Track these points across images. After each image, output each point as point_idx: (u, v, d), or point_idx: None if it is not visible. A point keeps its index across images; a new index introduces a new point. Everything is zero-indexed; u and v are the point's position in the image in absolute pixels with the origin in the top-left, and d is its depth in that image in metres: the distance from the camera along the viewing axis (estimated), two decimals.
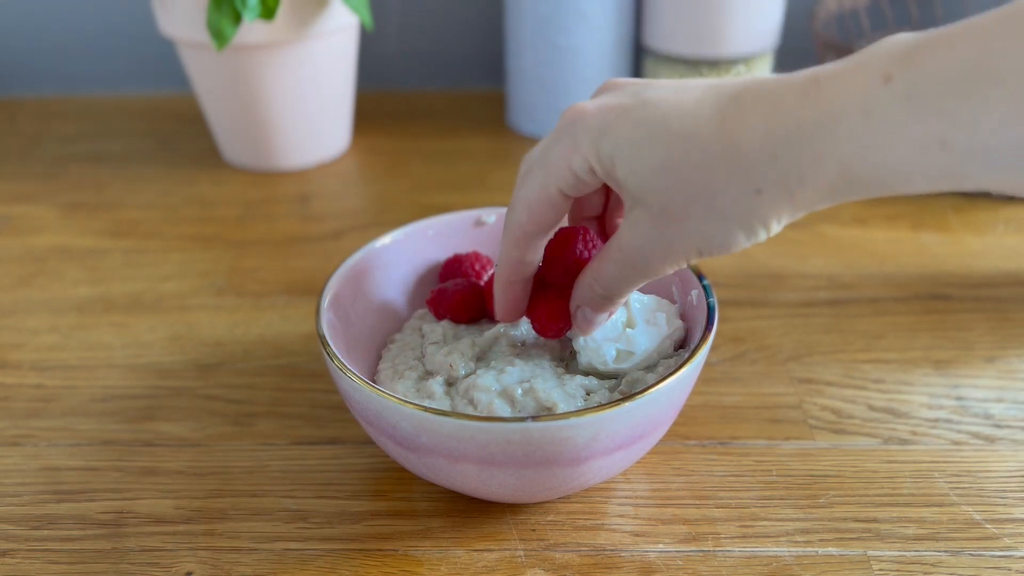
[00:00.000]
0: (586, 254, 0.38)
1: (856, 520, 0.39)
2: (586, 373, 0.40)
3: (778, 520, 0.39)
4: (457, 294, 0.43)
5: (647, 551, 0.38)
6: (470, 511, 0.40)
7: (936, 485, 0.41)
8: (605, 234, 0.40)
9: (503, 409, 0.38)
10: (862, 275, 0.56)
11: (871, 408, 0.46)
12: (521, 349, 0.41)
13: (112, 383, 0.49)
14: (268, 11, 0.62)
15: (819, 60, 0.73)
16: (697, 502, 0.40)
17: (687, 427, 0.44)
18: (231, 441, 0.45)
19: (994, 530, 0.39)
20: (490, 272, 0.46)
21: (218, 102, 0.70)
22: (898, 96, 0.26)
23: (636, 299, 0.42)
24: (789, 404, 0.46)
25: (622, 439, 0.35)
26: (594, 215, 0.40)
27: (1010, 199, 0.64)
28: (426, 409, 0.34)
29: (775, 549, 0.38)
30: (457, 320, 0.43)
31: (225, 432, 0.45)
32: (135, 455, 0.44)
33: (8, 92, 0.88)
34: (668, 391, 0.35)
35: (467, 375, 0.40)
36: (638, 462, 0.42)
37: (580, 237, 0.38)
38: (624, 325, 0.41)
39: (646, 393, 0.34)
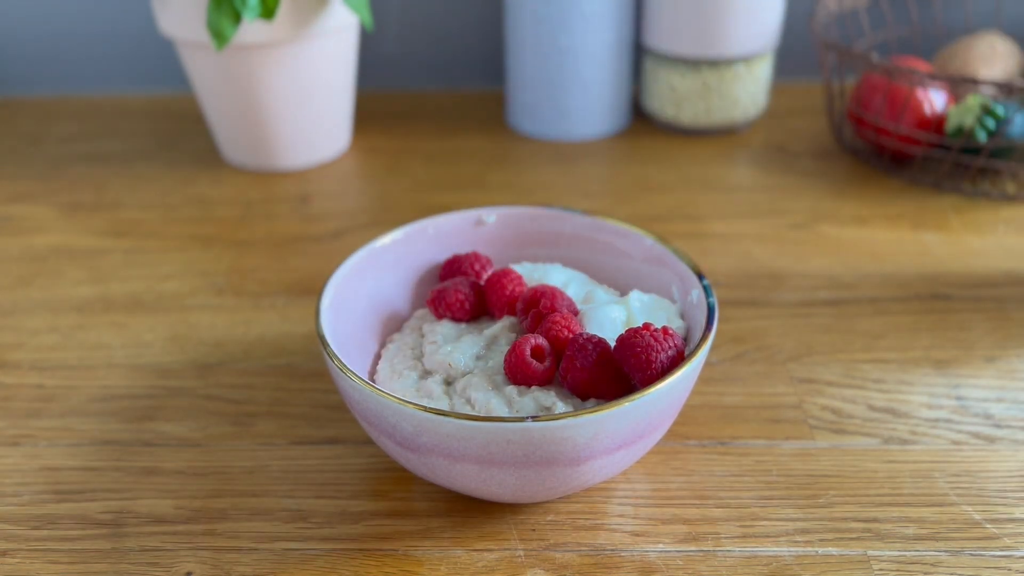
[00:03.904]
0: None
1: (856, 520, 0.39)
2: None
3: (778, 520, 0.39)
4: (457, 294, 0.43)
5: (647, 551, 0.38)
6: (470, 511, 0.40)
7: (936, 485, 0.41)
8: None
9: (500, 408, 0.38)
10: (862, 275, 0.56)
11: (871, 408, 0.46)
12: None
13: (112, 383, 0.49)
14: (268, 11, 0.62)
15: (819, 60, 0.73)
16: (697, 502, 0.40)
17: (687, 427, 0.44)
18: (231, 441, 0.45)
19: (994, 530, 0.39)
20: (490, 272, 0.46)
21: (218, 102, 0.70)
22: None
23: (636, 299, 0.42)
24: (789, 404, 0.46)
25: (622, 439, 0.35)
26: None
27: (1010, 199, 0.64)
28: (426, 409, 0.34)
29: (775, 549, 0.38)
30: (457, 320, 0.43)
31: (225, 432, 0.45)
32: (135, 455, 0.44)
33: (8, 92, 0.88)
34: (668, 391, 0.35)
35: (465, 374, 0.40)
36: (638, 462, 0.42)
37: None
38: (624, 325, 0.41)
39: (646, 393, 0.34)
